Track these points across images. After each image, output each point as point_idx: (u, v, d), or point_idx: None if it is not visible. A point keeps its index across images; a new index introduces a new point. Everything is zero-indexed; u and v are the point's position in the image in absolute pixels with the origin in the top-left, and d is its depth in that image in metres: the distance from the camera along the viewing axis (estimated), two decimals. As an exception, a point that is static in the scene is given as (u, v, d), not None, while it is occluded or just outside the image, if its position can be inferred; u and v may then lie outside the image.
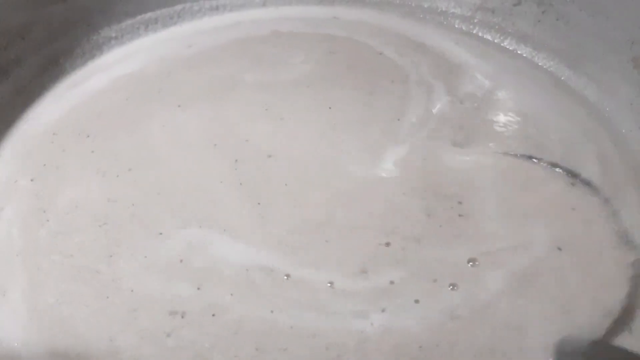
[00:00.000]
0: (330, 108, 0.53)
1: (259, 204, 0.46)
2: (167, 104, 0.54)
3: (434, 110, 0.53)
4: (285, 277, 0.41)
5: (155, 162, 0.49)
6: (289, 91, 0.55)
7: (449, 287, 0.40)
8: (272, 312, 0.39)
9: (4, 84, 0.55)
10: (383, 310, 0.39)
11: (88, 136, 0.52)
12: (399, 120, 0.51)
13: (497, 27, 0.64)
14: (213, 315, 0.39)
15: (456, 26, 0.66)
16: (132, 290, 0.41)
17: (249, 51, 0.61)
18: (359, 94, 0.54)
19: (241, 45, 0.62)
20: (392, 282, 0.40)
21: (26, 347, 0.38)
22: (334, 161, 0.48)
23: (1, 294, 0.41)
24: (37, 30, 0.58)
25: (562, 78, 0.59)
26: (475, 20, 0.65)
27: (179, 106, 0.54)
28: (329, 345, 0.38)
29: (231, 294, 0.40)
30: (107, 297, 0.40)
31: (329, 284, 0.40)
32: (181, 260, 0.42)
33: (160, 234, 0.44)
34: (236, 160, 0.49)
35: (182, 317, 0.39)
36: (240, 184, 0.47)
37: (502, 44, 0.63)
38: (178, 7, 0.66)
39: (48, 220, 0.45)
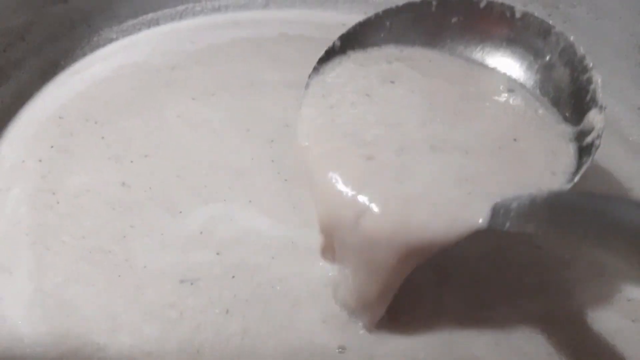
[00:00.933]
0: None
1: (286, 180, 0.47)
2: (179, 95, 0.54)
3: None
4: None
5: (174, 148, 0.49)
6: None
7: None
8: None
9: (4, 86, 0.54)
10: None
11: (96, 122, 0.51)
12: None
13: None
14: (233, 277, 0.41)
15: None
16: (145, 267, 0.41)
17: (260, 51, 0.60)
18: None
19: (250, 44, 0.61)
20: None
21: (29, 325, 0.38)
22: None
23: (8, 273, 0.41)
24: (37, 31, 0.57)
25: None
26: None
27: (193, 99, 0.54)
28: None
29: (252, 259, 0.42)
30: (119, 276, 0.41)
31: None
32: (201, 232, 0.43)
33: (180, 212, 0.44)
34: (272, 141, 0.50)
35: (192, 284, 0.40)
36: (272, 160, 0.48)
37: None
38: (180, 8, 0.65)
39: (58, 203, 0.45)
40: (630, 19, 0.56)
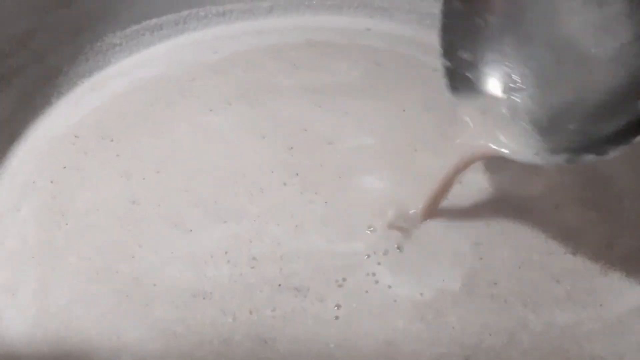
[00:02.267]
0: (404, 111, 0.53)
1: (316, 193, 0.46)
2: (196, 108, 0.54)
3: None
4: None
5: (186, 163, 0.49)
6: (343, 93, 0.54)
7: None
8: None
9: (6, 93, 0.54)
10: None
11: (112, 140, 0.51)
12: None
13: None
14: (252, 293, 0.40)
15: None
16: (154, 285, 0.41)
17: (282, 57, 0.60)
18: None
19: (271, 52, 0.61)
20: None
21: (29, 346, 0.38)
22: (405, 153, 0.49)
23: (11, 294, 0.40)
24: (40, 37, 0.56)
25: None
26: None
27: (210, 110, 0.53)
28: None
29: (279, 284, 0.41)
30: (127, 296, 0.40)
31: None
32: (226, 252, 0.43)
33: (191, 230, 0.44)
34: (291, 148, 0.49)
35: (204, 298, 0.40)
36: (297, 174, 0.47)
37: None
38: (184, 13, 0.64)
39: (67, 224, 0.44)
40: None
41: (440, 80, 0.56)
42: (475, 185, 0.47)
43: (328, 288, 0.41)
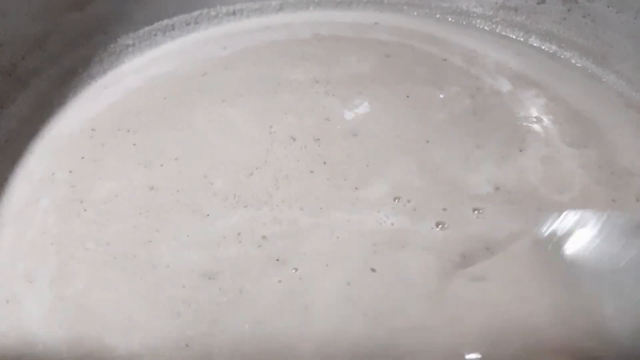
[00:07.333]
0: (407, 97, 0.53)
1: (345, 180, 0.46)
2: (209, 100, 0.54)
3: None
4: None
5: (205, 151, 0.49)
6: (355, 83, 0.55)
7: None
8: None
9: (24, 94, 0.55)
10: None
11: (128, 131, 0.51)
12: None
13: (520, 25, 0.63)
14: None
15: (478, 26, 0.65)
16: (168, 266, 0.41)
17: (290, 52, 0.60)
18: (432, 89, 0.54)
19: (281, 46, 0.61)
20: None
21: (46, 331, 0.38)
22: (423, 148, 0.49)
23: (28, 282, 0.41)
24: (54, 40, 0.57)
25: (591, 75, 0.58)
26: (498, 19, 0.64)
27: (223, 101, 0.54)
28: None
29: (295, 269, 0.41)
30: (141, 278, 0.41)
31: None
32: (239, 233, 0.43)
33: (208, 215, 0.44)
34: (318, 139, 0.49)
35: (209, 278, 0.40)
36: (325, 162, 0.47)
37: (527, 42, 0.62)
38: (195, 13, 0.65)
39: (85, 210, 0.45)
40: (653, 11, 0.55)
41: (450, 70, 0.56)
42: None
43: (360, 256, 0.41)
